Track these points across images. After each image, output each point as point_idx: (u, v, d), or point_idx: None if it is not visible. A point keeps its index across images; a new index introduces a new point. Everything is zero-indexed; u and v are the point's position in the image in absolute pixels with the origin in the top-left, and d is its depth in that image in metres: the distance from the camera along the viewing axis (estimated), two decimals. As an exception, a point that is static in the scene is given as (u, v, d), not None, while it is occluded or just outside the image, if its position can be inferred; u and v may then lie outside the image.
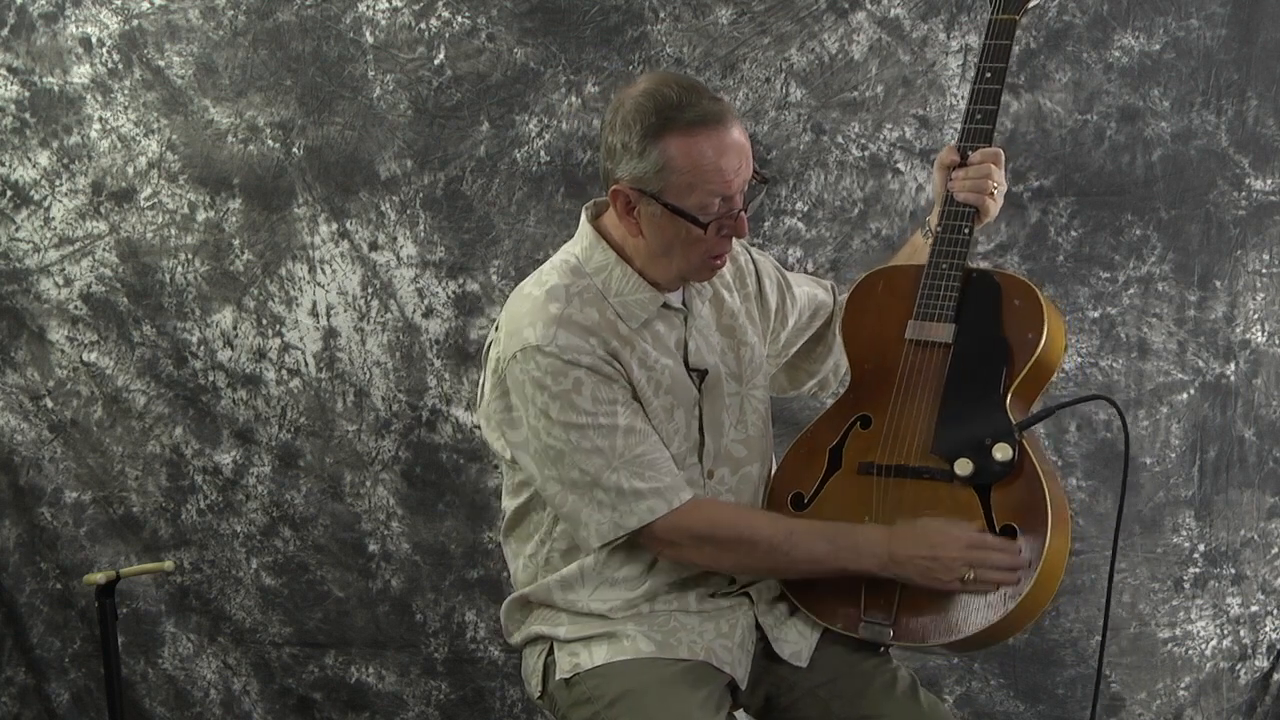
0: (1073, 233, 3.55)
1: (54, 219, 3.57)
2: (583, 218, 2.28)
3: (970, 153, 2.33)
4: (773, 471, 2.41)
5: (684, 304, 2.29)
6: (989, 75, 2.32)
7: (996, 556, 2.14)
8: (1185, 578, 3.60)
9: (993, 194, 2.32)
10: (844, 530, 2.22)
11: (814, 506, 2.29)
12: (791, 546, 2.20)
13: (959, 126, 2.37)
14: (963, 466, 2.20)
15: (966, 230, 2.29)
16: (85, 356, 3.59)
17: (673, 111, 2.11)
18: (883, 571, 2.17)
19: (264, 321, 3.58)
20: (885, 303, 2.33)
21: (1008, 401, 2.23)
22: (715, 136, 2.12)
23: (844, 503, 2.26)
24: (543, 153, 3.53)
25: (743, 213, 2.17)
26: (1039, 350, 2.24)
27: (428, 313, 3.56)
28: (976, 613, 2.17)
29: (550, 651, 2.30)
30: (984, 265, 2.35)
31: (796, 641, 2.31)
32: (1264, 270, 3.57)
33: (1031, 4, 2.36)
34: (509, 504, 2.36)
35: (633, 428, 2.17)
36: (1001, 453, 2.19)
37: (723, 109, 2.14)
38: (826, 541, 2.20)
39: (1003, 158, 2.34)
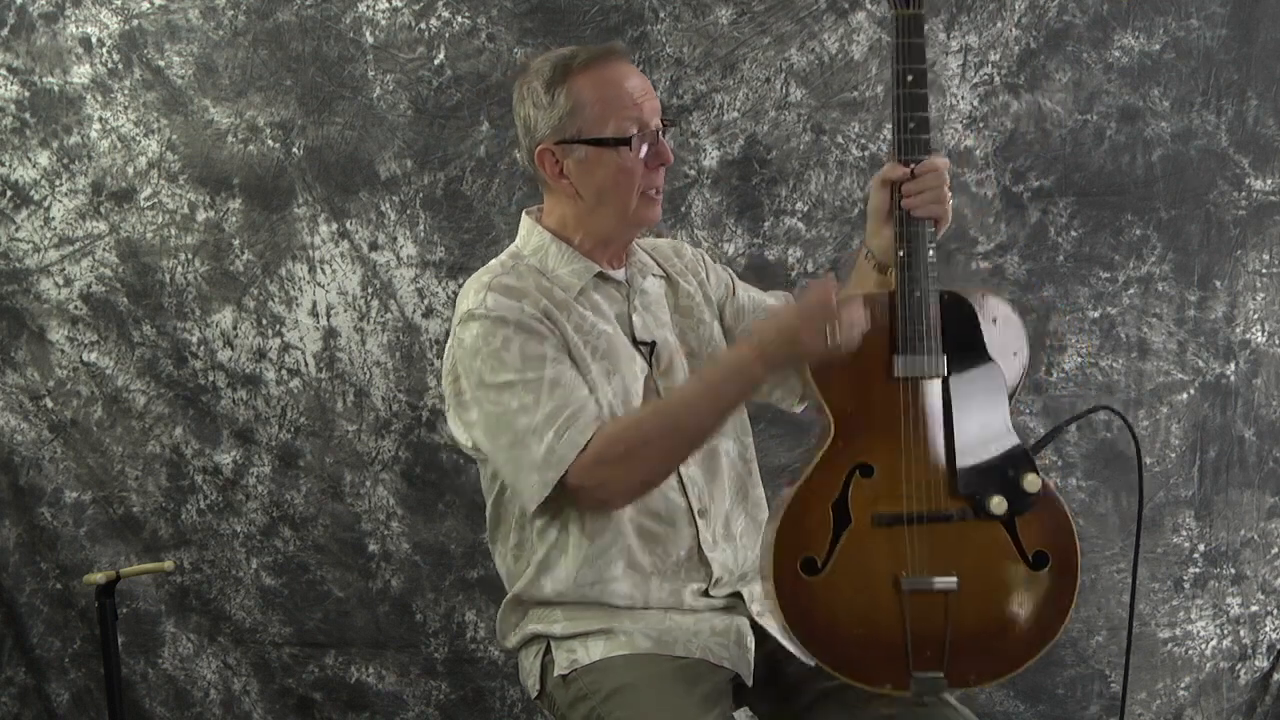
0: (1073, 233, 3.55)
1: (54, 219, 3.57)
2: (523, 217, 2.39)
3: (913, 165, 2.18)
4: (749, 454, 2.41)
5: (626, 280, 2.35)
6: (910, 79, 2.18)
7: (839, 313, 2.10)
8: (1185, 578, 3.60)
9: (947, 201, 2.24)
10: (707, 369, 2.23)
11: (832, 566, 2.13)
12: (674, 419, 2.19)
13: (893, 139, 2.20)
14: (999, 505, 2.13)
15: (932, 249, 2.17)
16: (85, 356, 3.59)
17: (568, 60, 2.25)
18: (765, 370, 2.16)
19: (264, 321, 3.58)
20: (860, 339, 2.15)
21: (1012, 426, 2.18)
22: (613, 67, 2.25)
23: (870, 559, 2.13)
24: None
25: (663, 138, 2.26)
26: (1026, 367, 2.21)
27: (428, 313, 3.56)
28: (1029, 643, 2.15)
29: (547, 650, 2.31)
30: (952, 287, 2.20)
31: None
32: (1264, 270, 3.57)
33: None
34: (488, 503, 2.39)
35: (558, 380, 2.20)
36: (1031, 485, 2.14)
37: (613, 48, 2.28)
38: (702, 385, 2.21)
39: (948, 164, 2.24)
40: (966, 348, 2.16)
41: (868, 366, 2.14)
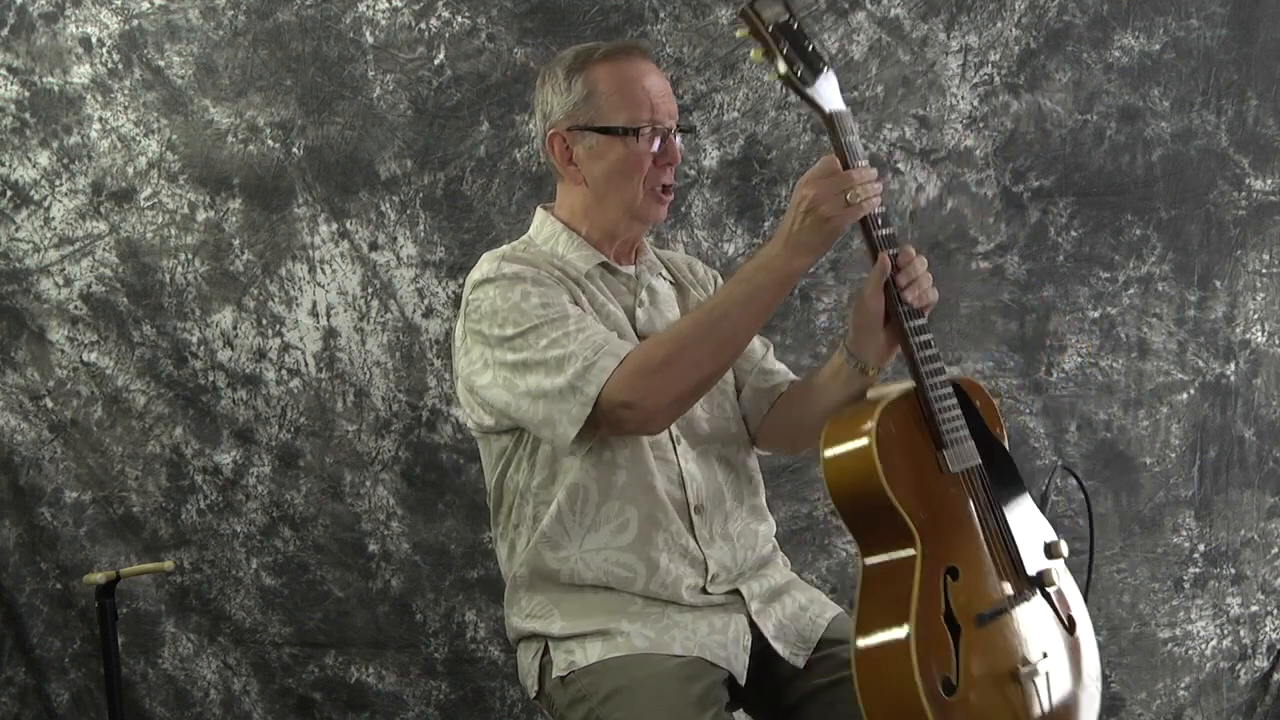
0: (1073, 233, 3.55)
1: (54, 219, 3.57)
2: (537, 210, 2.45)
3: (893, 256, 2.15)
4: (756, 477, 2.43)
5: (635, 276, 2.40)
6: None
7: (852, 175, 2.09)
8: (1185, 578, 3.60)
9: None
10: (745, 267, 2.19)
11: (963, 679, 2.03)
12: (712, 320, 2.16)
13: (865, 243, 2.15)
14: (1057, 575, 2.16)
15: (932, 338, 2.16)
16: (85, 356, 3.59)
17: (593, 50, 2.33)
18: (792, 260, 2.11)
19: (264, 321, 3.58)
20: (905, 442, 2.10)
21: None
22: (635, 63, 2.31)
23: (988, 660, 2.07)
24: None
25: (674, 138, 2.30)
26: (1007, 441, 2.25)
27: (428, 313, 3.56)
28: (1092, 709, 2.18)
29: (545, 651, 2.31)
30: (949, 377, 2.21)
31: (795, 642, 2.31)
32: (1264, 270, 3.57)
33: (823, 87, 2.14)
34: (491, 483, 2.39)
35: (583, 318, 2.23)
36: (1064, 550, 2.17)
37: (637, 45, 2.34)
38: (737, 284, 2.17)
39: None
40: (978, 431, 2.17)
41: (923, 469, 2.10)
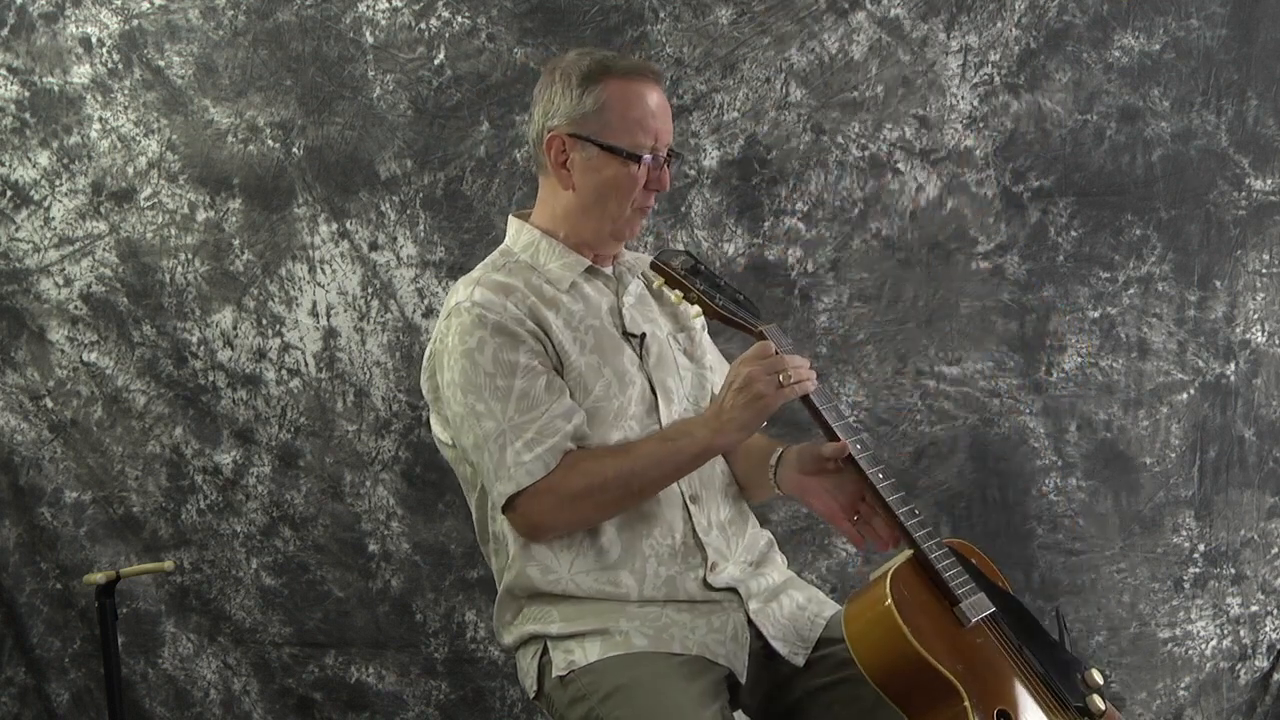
0: (1073, 233, 3.55)
1: (54, 219, 3.57)
2: (510, 219, 2.44)
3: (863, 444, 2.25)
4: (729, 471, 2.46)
5: (615, 276, 2.42)
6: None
7: (785, 359, 2.18)
8: (1185, 578, 3.60)
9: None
10: (672, 428, 2.29)
11: None
12: (634, 472, 2.23)
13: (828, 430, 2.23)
14: (1100, 701, 2.19)
15: (915, 506, 2.23)
16: (85, 356, 3.59)
17: (610, 62, 2.31)
18: (720, 435, 2.21)
19: (264, 321, 3.58)
20: (920, 605, 2.16)
21: None
22: (649, 86, 2.32)
23: None
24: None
25: (665, 167, 2.33)
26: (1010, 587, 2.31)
27: (428, 313, 3.56)
28: None
29: (544, 651, 2.31)
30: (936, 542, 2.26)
31: (794, 641, 2.31)
32: (1264, 270, 3.57)
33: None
34: (471, 501, 2.41)
35: (526, 393, 2.24)
36: (1099, 676, 2.22)
37: (654, 68, 2.35)
38: (661, 443, 2.25)
39: None
40: (981, 582, 2.22)
41: (945, 625, 2.16)
